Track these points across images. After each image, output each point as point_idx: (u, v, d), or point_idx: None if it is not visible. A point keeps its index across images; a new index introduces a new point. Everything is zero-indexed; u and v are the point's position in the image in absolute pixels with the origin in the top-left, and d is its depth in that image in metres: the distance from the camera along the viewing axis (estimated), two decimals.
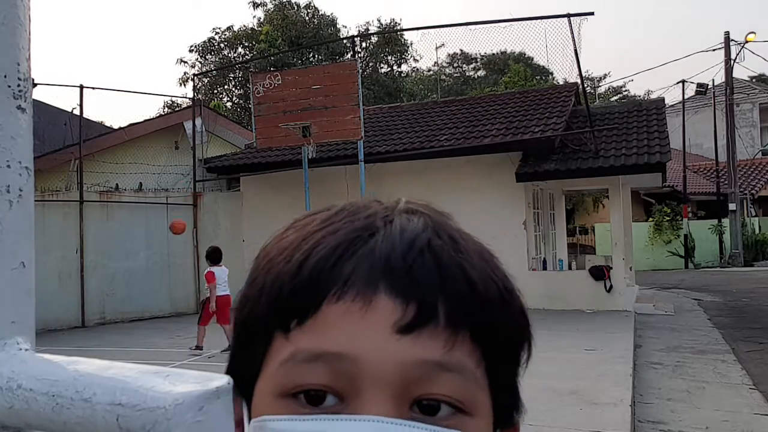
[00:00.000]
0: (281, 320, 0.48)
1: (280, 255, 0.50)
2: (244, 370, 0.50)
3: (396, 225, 0.49)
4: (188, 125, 14.89)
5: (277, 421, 0.46)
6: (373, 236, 0.48)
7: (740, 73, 44.88)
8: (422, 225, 0.50)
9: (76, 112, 13.59)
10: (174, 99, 28.09)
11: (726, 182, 25.57)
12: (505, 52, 31.78)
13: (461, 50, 35.53)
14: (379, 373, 0.45)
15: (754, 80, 38.00)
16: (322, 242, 0.48)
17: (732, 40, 25.51)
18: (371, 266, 0.47)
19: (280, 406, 0.46)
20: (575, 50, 11.79)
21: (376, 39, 29.15)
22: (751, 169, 30.60)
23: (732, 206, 24.49)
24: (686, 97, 29.00)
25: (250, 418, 0.49)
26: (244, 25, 29.15)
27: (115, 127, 17.15)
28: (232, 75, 28.38)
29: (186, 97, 24.17)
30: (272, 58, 24.76)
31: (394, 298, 0.46)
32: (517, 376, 0.52)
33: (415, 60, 30.36)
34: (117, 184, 14.14)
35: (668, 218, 26.02)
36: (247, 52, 28.13)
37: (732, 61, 25.60)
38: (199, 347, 8.81)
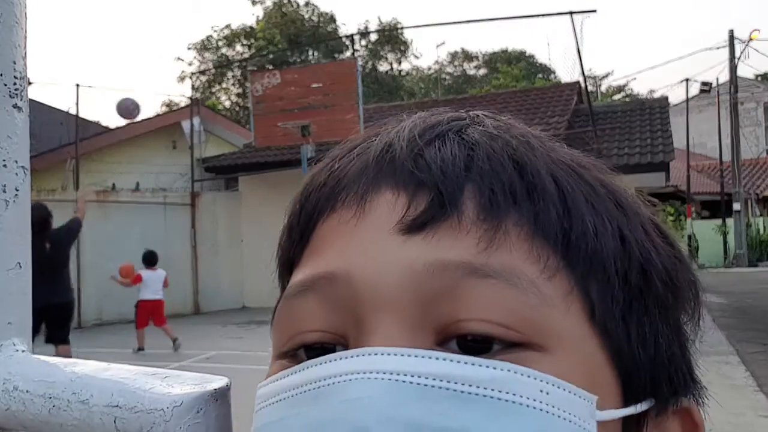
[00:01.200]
0: (286, 269, 0.38)
1: None
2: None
3: (413, 117, 0.38)
4: (186, 124, 14.85)
5: (262, 387, 0.34)
6: (378, 136, 0.37)
7: (745, 71, 44.72)
8: (454, 115, 0.37)
9: (73, 111, 13.56)
10: (172, 98, 28.11)
11: (730, 182, 25.49)
12: (507, 50, 31.72)
13: (462, 48, 35.55)
14: (382, 289, 0.31)
15: (758, 78, 37.87)
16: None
17: (736, 38, 25.42)
18: (366, 162, 0.35)
19: (276, 370, 0.35)
20: (577, 48, 11.71)
21: (376, 37, 29.10)
22: (756, 169, 30.51)
23: (736, 206, 24.39)
24: (690, 95, 28.91)
25: None
26: (243, 23, 29.17)
27: (112, 126, 17.12)
28: (231, 74, 28.36)
29: (184, 96, 24.14)
30: (271, 56, 24.72)
31: (397, 192, 0.33)
32: (673, 331, 0.35)
33: (416, 57, 30.36)
34: (114, 184, 14.10)
35: (672, 218, 25.91)
36: (246, 50, 28.11)
37: (736, 60, 25.49)
38: (141, 348, 9.28)
